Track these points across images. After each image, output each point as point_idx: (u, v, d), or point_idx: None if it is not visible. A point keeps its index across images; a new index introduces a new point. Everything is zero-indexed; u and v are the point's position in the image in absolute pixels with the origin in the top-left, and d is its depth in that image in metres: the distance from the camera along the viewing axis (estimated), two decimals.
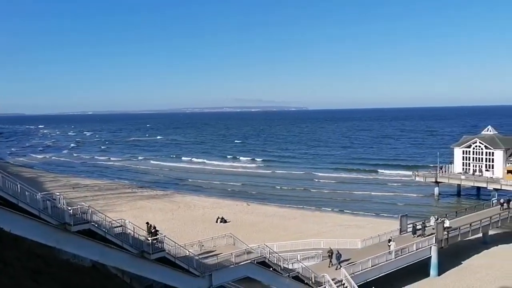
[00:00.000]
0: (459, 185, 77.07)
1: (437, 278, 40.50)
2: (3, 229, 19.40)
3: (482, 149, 75.36)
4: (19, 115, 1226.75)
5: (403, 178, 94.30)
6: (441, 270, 41.49)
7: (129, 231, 24.74)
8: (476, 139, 77.03)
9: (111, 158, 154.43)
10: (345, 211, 69.55)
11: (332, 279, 33.13)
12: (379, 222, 60.33)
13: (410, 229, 44.45)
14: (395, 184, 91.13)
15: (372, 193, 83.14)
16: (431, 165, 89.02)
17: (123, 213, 58.92)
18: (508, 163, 72.12)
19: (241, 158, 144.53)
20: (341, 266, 35.33)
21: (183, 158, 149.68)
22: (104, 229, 22.92)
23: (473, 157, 76.76)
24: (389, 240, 40.00)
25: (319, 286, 32.84)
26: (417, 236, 42.76)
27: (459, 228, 44.81)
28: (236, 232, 41.24)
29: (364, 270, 35.79)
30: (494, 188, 68.05)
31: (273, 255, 32.26)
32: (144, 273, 25.73)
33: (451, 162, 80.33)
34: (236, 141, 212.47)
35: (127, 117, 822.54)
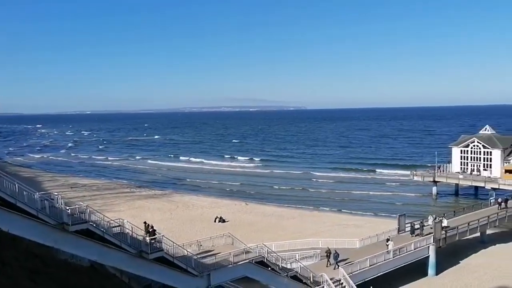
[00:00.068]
0: (457, 185, 77.12)
1: (435, 278, 40.54)
2: (1, 229, 19.36)
3: (480, 148, 75.48)
4: (17, 114, 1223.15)
5: (401, 178, 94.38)
6: (439, 270, 41.53)
7: (127, 230, 24.70)
8: (474, 138, 77.14)
9: (109, 158, 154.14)
10: (343, 210, 69.56)
11: (331, 279, 33.15)
12: (377, 221, 60.35)
13: (408, 229, 44.48)
14: (393, 183, 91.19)
15: (370, 192, 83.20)
16: (429, 165, 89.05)
17: (121, 213, 58.78)
18: (506, 163, 72.25)
19: (239, 157, 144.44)
20: (338, 266, 35.35)
21: (181, 157, 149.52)
22: (102, 229, 22.87)
23: (471, 157, 76.88)
24: (387, 240, 40.04)
25: (318, 286, 32.84)
26: (415, 235, 42.81)
27: (457, 228, 44.85)
28: (235, 231, 41.21)
29: (362, 270, 35.80)
30: (492, 188, 68.14)
31: (272, 254, 32.25)
32: (143, 273, 25.71)
33: (449, 162, 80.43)
34: (234, 140, 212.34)
35: (125, 116, 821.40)
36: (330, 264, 36.25)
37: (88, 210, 22.55)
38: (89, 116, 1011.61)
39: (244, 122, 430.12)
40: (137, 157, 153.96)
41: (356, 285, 33.45)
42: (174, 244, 26.93)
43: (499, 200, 54.99)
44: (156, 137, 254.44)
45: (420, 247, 40.80)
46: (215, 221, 60.79)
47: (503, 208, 52.36)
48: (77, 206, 22.33)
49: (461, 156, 78.09)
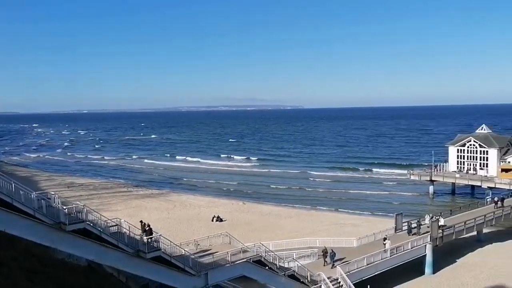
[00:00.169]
0: (453, 184, 77.35)
1: (432, 276, 40.66)
2: None
3: (476, 147, 75.74)
4: (14, 114, 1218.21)
5: (398, 177, 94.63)
6: (436, 268, 41.65)
7: (124, 230, 24.65)
8: (471, 137, 77.40)
9: (105, 157, 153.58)
10: (340, 209, 69.64)
11: (328, 278, 33.19)
12: (374, 220, 60.51)
13: (405, 228, 44.60)
14: (390, 182, 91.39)
15: (368, 191, 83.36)
16: (426, 164, 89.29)
17: (118, 212, 58.71)
18: (502, 162, 72.56)
19: (236, 157, 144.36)
20: (334, 265, 35.38)
21: (177, 157, 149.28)
22: (99, 228, 22.80)
23: (467, 156, 77.13)
24: (385, 239, 40.12)
25: (315, 285, 32.87)
26: (412, 234, 42.92)
27: (454, 227, 44.98)
28: (232, 231, 41.21)
29: (359, 269, 35.86)
30: (488, 187, 68.44)
31: (269, 253, 32.28)
32: (140, 272, 25.65)
33: (446, 161, 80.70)
34: (231, 140, 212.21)
35: (122, 116, 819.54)
36: (326, 263, 36.29)
37: (85, 209, 22.46)
38: (85, 115, 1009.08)
39: (241, 122, 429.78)
40: (134, 157, 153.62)
41: (353, 284, 33.51)
42: (172, 244, 26.88)
43: (496, 199, 55.26)
44: (153, 136, 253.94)
45: (417, 246, 40.91)
46: (212, 221, 60.76)
47: (500, 207, 52.60)
48: (74, 205, 22.23)
49: (458, 155, 78.34)
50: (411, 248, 40.33)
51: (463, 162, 77.59)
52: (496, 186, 68.38)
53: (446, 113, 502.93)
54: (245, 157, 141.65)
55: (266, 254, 31.69)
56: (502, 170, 71.18)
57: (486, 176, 72.62)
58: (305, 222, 60.24)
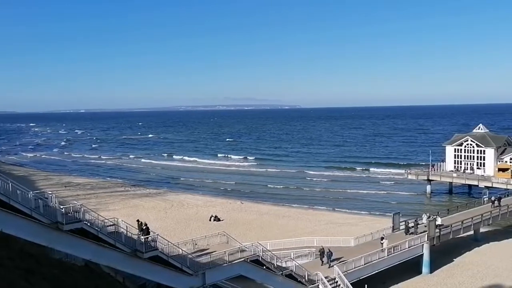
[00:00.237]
0: (451, 183, 77.51)
1: (429, 276, 40.76)
2: None
3: (473, 147, 75.96)
4: (11, 113, 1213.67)
5: (395, 176, 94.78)
6: (433, 268, 41.76)
7: (122, 230, 24.59)
8: (468, 137, 77.62)
9: (102, 157, 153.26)
10: (338, 209, 69.64)
11: (325, 277, 33.21)
12: (372, 220, 60.61)
13: (402, 227, 44.69)
14: (388, 182, 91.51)
15: (365, 191, 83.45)
16: (423, 163, 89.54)
17: (116, 212, 58.67)
18: (499, 161, 72.80)
19: (233, 156, 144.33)
20: (331, 265, 35.43)
21: (174, 156, 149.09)
22: (96, 228, 22.75)
23: (464, 155, 77.35)
24: (382, 238, 40.19)
25: (312, 284, 32.89)
26: (410, 234, 43.01)
27: (451, 226, 45.09)
28: (230, 230, 41.28)
29: (357, 268, 35.90)
30: (485, 186, 68.53)
31: (267, 253, 32.28)
32: (137, 272, 25.62)
33: (443, 160, 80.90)
34: (228, 139, 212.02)
35: (120, 115, 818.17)
36: (323, 263, 36.30)
37: (82, 209, 22.42)
38: (83, 114, 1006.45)
39: (239, 121, 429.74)
40: (131, 156, 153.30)
41: (351, 284, 33.54)
42: (169, 243, 26.88)
43: (493, 198, 55.33)
44: (150, 135, 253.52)
45: (414, 245, 41.00)
46: (210, 220, 60.73)
47: (497, 207, 52.71)
48: (71, 205, 22.18)
49: (455, 155, 78.57)
50: (409, 247, 40.41)
51: (460, 161, 77.81)
52: (493, 186, 68.57)
53: (443, 112, 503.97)
54: (242, 157, 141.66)
55: (263, 253, 31.68)
56: (499, 169, 71.42)
57: (483, 175, 72.85)
58: (303, 222, 60.27)
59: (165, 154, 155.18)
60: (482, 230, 51.37)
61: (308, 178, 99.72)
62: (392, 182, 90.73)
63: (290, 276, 32.24)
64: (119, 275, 27.67)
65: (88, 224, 22.44)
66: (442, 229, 43.92)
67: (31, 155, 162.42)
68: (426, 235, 42.02)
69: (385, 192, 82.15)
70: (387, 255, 38.41)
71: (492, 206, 53.05)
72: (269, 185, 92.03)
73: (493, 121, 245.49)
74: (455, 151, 78.61)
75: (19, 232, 20.26)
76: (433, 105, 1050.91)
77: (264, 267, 31.15)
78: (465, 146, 77.19)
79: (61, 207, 21.42)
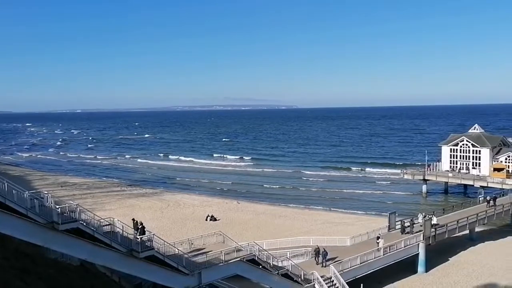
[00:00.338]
0: (446, 183, 77.79)
1: (425, 275, 40.92)
2: None
3: (469, 147, 76.27)
4: (7, 113, 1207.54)
5: (391, 176, 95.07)
6: (428, 267, 41.92)
7: (118, 229, 24.57)
8: (463, 137, 77.93)
9: (98, 157, 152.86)
10: (334, 209, 69.76)
11: (321, 276, 33.29)
12: (368, 219, 60.73)
13: (398, 227, 44.83)
14: (384, 182, 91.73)
15: (361, 191, 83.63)
16: (419, 163, 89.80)
17: (112, 212, 58.53)
18: (495, 161, 73.14)
19: (230, 156, 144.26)
20: (327, 264, 35.50)
21: (170, 156, 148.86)
22: (92, 228, 22.71)
23: (460, 155, 77.65)
24: (378, 238, 40.30)
25: (308, 283, 32.96)
26: (405, 233, 43.15)
27: (447, 225, 45.29)
28: (226, 230, 41.32)
29: (353, 267, 36.00)
30: (480, 186, 68.96)
31: (263, 252, 32.29)
32: (133, 272, 25.58)
33: (439, 160, 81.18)
34: (224, 139, 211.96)
35: (117, 115, 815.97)
36: (318, 262, 36.37)
37: (78, 209, 22.36)
38: (79, 114, 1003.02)
39: (236, 121, 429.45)
40: (127, 156, 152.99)
41: (346, 283, 33.64)
42: (165, 243, 26.85)
43: (488, 198, 55.60)
44: (147, 135, 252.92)
45: (410, 244, 41.16)
46: (206, 220, 60.71)
47: (492, 206, 52.97)
48: (67, 205, 22.13)
49: (451, 155, 78.85)
50: (404, 246, 40.57)
51: (456, 161, 78.10)
52: (489, 185, 68.95)
53: (439, 113, 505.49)
54: (238, 157, 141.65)
55: (259, 253, 31.71)
56: (494, 169, 71.75)
57: (478, 175, 73.18)
58: (299, 221, 60.35)
59: (161, 154, 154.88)
60: (477, 229, 51.58)
61: (305, 178, 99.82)
62: (388, 182, 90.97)
63: (286, 275, 32.29)
64: (115, 275, 27.63)
65: (84, 224, 22.40)
66: (438, 229, 44.11)
67: (27, 155, 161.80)
68: (422, 235, 42.18)
69: (381, 192, 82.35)
70: (383, 255, 38.56)
71: (487, 206, 53.31)
72: (265, 185, 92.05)
73: (488, 122, 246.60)
74: (450, 151, 78.90)
75: (14, 231, 20.21)
76: (430, 106, 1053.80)
77: (260, 266, 31.18)
78: (460, 146, 77.50)
79: (57, 207, 21.37)
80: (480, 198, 58.56)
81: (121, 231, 24.47)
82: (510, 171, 70.83)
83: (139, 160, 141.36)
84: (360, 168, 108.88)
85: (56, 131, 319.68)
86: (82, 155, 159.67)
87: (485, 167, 73.84)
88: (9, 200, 19.75)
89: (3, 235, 19.95)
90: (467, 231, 49.68)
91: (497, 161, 72.96)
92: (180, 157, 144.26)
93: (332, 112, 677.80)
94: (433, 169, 79.47)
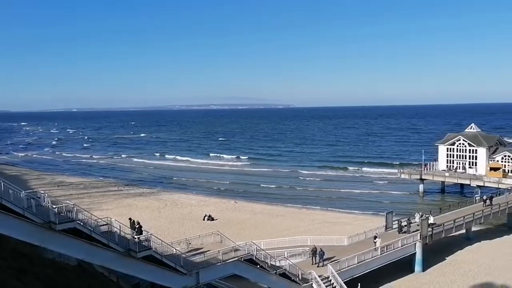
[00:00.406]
0: (443, 182, 78.01)
1: (422, 274, 41.00)
2: None
3: (465, 146, 76.52)
4: (2, 112, 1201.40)
5: (388, 176, 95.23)
6: (425, 266, 42.01)
7: (115, 229, 24.46)
8: (460, 136, 78.19)
9: (94, 156, 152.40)
10: (331, 208, 69.79)
11: (319, 276, 33.30)
12: (365, 219, 60.83)
13: (395, 226, 44.91)
14: (381, 181, 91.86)
15: (358, 190, 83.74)
16: (416, 163, 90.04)
17: (109, 211, 58.36)
18: (491, 160, 73.39)
19: (227, 156, 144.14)
20: (324, 264, 35.50)
21: (166, 156, 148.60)
22: (89, 228, 22.60)
23: (457, 155, 77.92)
24: (375, 237, 40.33)
25: (306, 283, 32.96)
26: (403, 232, 43.22)
27: (443, 225, 45.41)
28: (223, 229, 41.26)
29: (350, 267, 36.04)
30: (477, 185, 69.10)
31: (260, 252, 32.26)
32: (131, 272, 25.49)
33: (436, 160, 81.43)
34: (220, 138, 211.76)
35: (112, 114, 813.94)
36: (315, 262, 36.36)
37: (75, 208, 22.25)
38: (75, 113, 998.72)
39: (233, 121, 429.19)
40: (123, 155, 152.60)
41: (344, 282, 33.66)
42: (163, 243, 26.76)
43: (484, 197, 55.73)
44: (143, 135, 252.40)
45: (407, 244, 41.23)
46: (203, 219, 60.64)
47: (488, 205, 53.11)
48: (64, 204, 22.03)
49: (447, 154, 79.13)
50: (401, 246, 40.63)
51: (453, 161, 78.37)
52: (485, 185, 69.19)
53: (435, 112, 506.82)
54: (235, 156, 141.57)
55: (257, 252, 31.66)
56: (491, 168, 72.01)
57: (475, 174, 73.46)
58: (296, 221, 60.37)
59: (158, 154, 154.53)
60: (474, 229, 51.74)
61: (302, 178, 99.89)
62: (385, 182, 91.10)
63: (284, 275, 32.28)
64: (112, 275, 27.59)
65: (81, 223, 22.29)
66: (435, 228, 44.23)
67: (22, 154, 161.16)
68: (419, 234, 42.26)
69: (378, 191, 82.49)
70: (380, 254, 38.61)
71: (484, 205, 53.47)
72: (262, 185, 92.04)
73: (485, 121, 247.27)
74: (447, 151, 79.15)
75: (11, 231, 20.09)
76: (427, 105, 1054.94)
77: (258, 266, 31.15)
78: (457, 146, 77.74)
79: (54, 206, 21.26)
80: (477, 198, 58.70)
81: (118, 231, 24.37)
82: (507, 171, 71.14)
83: (135, 159, 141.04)
84: (357, 168, 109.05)
85: (51, 130, 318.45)
86: (78, 154, 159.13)
87: (482, 166, 74.10)
88: (6, 200, 19.62)
89: (0, 235, 19.83)
90: (463, 231, 49.82)
91: (494, 160, 73.23)
92: (177, 157, 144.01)
93: (329, 112, 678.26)
94: (430, 169, 79.68)
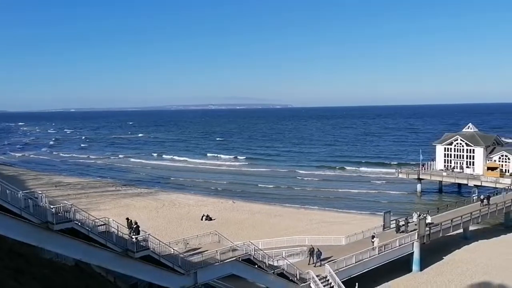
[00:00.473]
0: (440, 182, 78.16)
1: (419, 273, 41.08)
2: None
3: (463, 146, 76.68)
4: (2, 112, 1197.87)
5: (386, 176, 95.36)
6: (423, 266, 42.08)
7: (113, 229, 24.42)
8: (457, 136, 78.35)
9: (91, 156, 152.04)
10: (329, 208, 69.86)
11: (317, 276, 33.32)
12: (362, 219, 60.91)
13: (393, 226, 44.95)
14: (379, 181, 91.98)
15: (356, 190, 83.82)
16: (414, 163, 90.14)
17: (107, 212, 58.30)
18: (488, 160, 73.59)
19: (224, 156, 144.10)
20: (320, 264, 35.53)
21: (164, 156, 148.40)
22: (87, 228, 22.56)
23: (454, 154, 78.08)
24: (373, 237, 40.39)
25: (304, 283, 32.98)
26: (400, 232, 43.28)
27: (441, 224, 45.48)
28: (221, 229, 41.23)
29: (348, 266, 36.07)
30: (474, 185, 69.29)
31: (258, 252, 32.27)
32: (129, 272, 25.44)
33: (433, 159, 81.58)
34: (218, 138, 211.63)
35: (110, 114, 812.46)
36: (312, 262, 36.36)
37: (73, 208, 22.20)
38: (73, 114, 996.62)
39: (231, 121, 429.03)
40: (120, 156, 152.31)
41: (342, 282, 33.68)
42: (161, 243, 26.73)
43: (482, 197, 55.85)
44: (140, 135, 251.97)
45: (404, 243, 41.29)
46: (201, 219, 60.61)
47: (485, 205, 53.23)
48: (61, 204, 21.97)
49: (445, 154, 79.28)
50: (399, 245, 40.69)
51: (450, 160, 78.53)
52: (482, 184, 69.39)
53: (433, 112, 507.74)
54: (233, 156, 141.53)
55: (255, 252, 31.67)
56: (488, 168, 72.21)
57: (472, 174, 73.64)
58: (294, 221, 60.39)
59: (155, 154, 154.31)
60: (471, 228, 51.85)
61: (299, 178, 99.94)
62: (383, 181, 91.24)
63: (282, 274, 32.29)
64: (110, 275, 27.53)
65: (79, 223, 22.24)
66: (432, 228, 44.29)
67: (19, 154, 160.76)
68: (416, 234, 42.32)
69: (375, 191, 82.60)
70: (378, 254, 38.66)
71: (481, 205, 53.58)
72: (260, 185, 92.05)
73: (482, 121, 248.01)
74: (445, 150, 79.30)
75: (8, 231, 20.04)
76: (424, 105, 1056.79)
77: (256, 266, 31.16)
78: (455, 145, 77.90)
79: (51, 206, 21.19)
80: (474, 197, 58.83)
81: (116, 231, 24.33)
82: (504, 170, 71.35)
83: (132, 159, 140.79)
84: (355, 168, 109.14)
85: (49, 131, 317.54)
86: (75, 154, 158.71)
87: (479, 166, 74.29)
88: (3, 200, 19.57)
89: None
90: (461, 230, 49.95)
91: (491, 160, 73.44)
92: (174, 157, 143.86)
93: (327, 111, 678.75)
94: (427, 168, 79.84)
